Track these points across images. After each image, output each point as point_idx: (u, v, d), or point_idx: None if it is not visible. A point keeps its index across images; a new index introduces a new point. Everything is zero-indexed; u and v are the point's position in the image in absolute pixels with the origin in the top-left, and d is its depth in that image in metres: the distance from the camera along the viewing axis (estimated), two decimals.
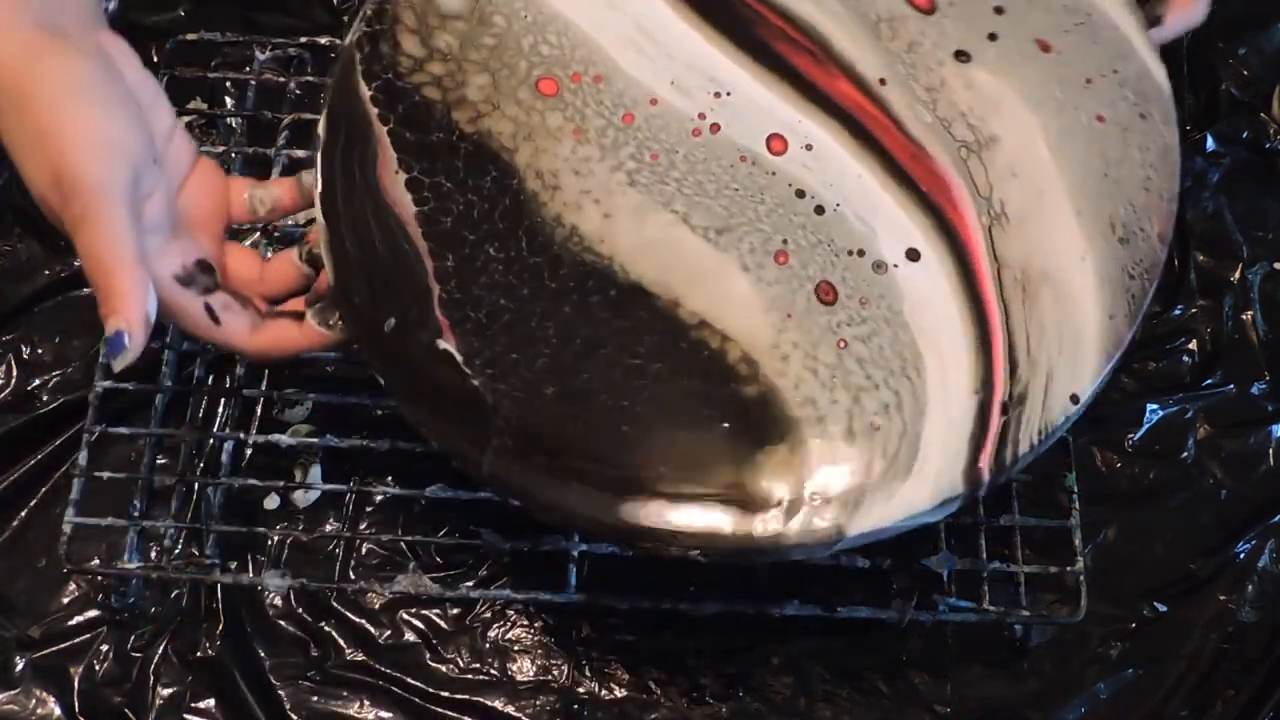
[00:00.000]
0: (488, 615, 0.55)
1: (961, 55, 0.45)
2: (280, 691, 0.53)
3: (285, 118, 0.60)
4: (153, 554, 0.55)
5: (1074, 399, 0.41)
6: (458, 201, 0.43)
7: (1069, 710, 0.54)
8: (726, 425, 0.41)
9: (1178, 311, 0.62)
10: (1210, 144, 0.66)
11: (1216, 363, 0.61)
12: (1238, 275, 0.63)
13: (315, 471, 0.57)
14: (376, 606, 0.55)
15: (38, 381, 0.59)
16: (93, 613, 0.54)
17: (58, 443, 0.58)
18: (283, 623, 0.55)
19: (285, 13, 0.67)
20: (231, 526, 0.54)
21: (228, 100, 0.65)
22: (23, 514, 0.57)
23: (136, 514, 0.54)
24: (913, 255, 0.42)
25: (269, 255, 0.47)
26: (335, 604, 0.55)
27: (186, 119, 0.62)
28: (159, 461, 0.57)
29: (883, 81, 0.45)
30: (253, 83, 0.61)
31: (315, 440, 0.55)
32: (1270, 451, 0.60)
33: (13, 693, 0.53)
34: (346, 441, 0.55)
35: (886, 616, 0.51)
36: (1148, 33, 0.47)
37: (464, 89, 0.45)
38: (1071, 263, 0.43)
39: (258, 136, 0.62)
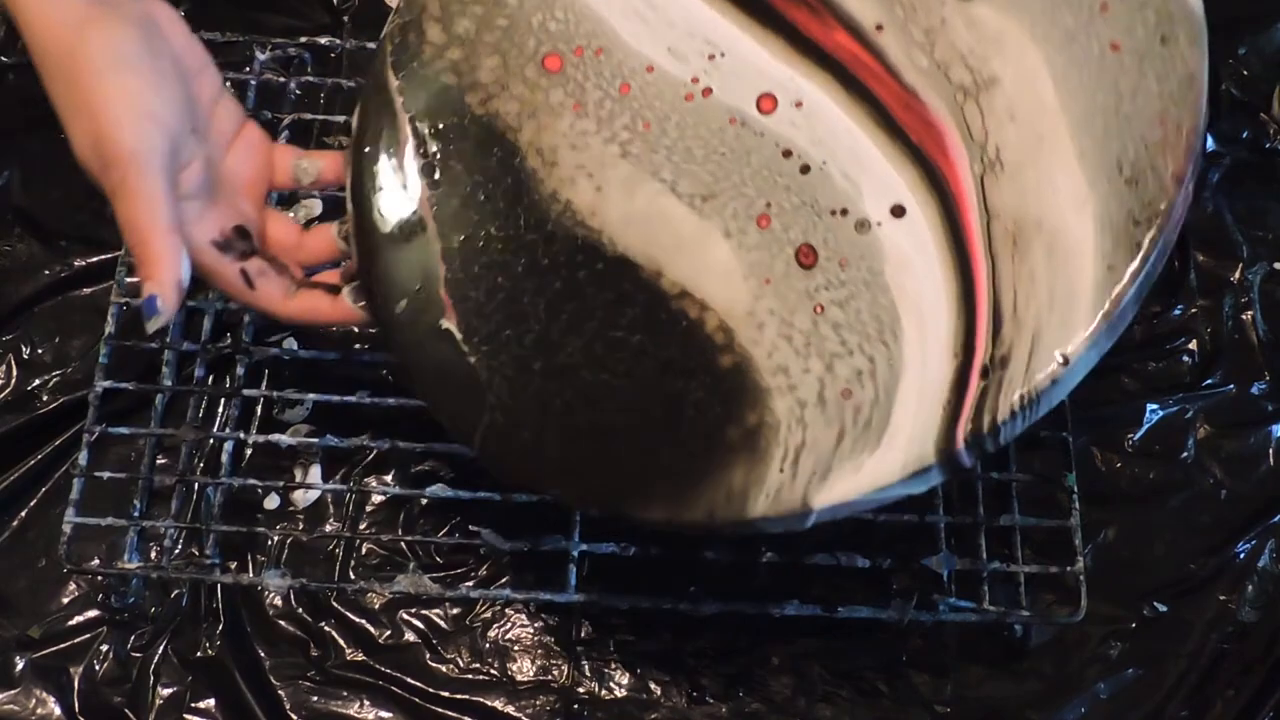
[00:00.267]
0: (488, 615, 0.55)
1: None
2: (280, 691, 0.53)
3: (286, 117, 0.60)
4: (153, 554, 0.55)
5: (1063, 359, 0.39)
6: (465, 183, 0.44)
7: (1069, 710, 0.54)
8: (699, 396, 0.41)
9: (1178, 311, 0.62)
10: (1210, 144, 0.66)
11: (1216, 363, 0.61)
12: (1238, 275, 0.63)
13: (315, 471, 0.57)
14: (376, 606, 0.55)
15: (38, 381, 0.59)
16: (93, 613, 0.54)
17: (58, 443, 0.58)
18: (283, 623, 0.55)
19: (285, 13, 0.67)
20: (231, 526, 0.54)
21: None
22: (23, 514, 0.57)
23: (136, 514, 0.54)
24: (898, 211, 0.41)
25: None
26: (335, 604, 0.55)
27: None
28: (159, 461, 0.57)
29: (879, 27, 0.43)
30: (253, 83, 0.61)
31: (315, 440, 0.56)
32: (1270, 451, 0.59)
33: (13, 693, 0.53)
34: (346, 441, 0.55)
35: (886, 616, 0.51)
36: None
37: (477, 72, 0.45)
38: (1069, 210, 0.40)
39: None
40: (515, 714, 0.53)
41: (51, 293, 0.61)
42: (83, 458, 0.53)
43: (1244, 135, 0.67)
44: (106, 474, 0.53)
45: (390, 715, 0.53)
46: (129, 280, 0.58)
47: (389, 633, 0.55)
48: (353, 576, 0.55)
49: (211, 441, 0.57)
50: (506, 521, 0.56)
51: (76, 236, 0.62)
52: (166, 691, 0.53)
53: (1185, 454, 0.59)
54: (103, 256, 0.61)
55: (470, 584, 0.56)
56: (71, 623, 0.54)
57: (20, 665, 0.53)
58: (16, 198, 0.62)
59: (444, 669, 0.54)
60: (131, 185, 0.39)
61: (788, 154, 0.43)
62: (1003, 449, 0.56)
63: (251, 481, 0.54)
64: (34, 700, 0.53)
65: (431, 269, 0.44)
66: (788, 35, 0.44)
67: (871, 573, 0.54)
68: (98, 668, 0.53)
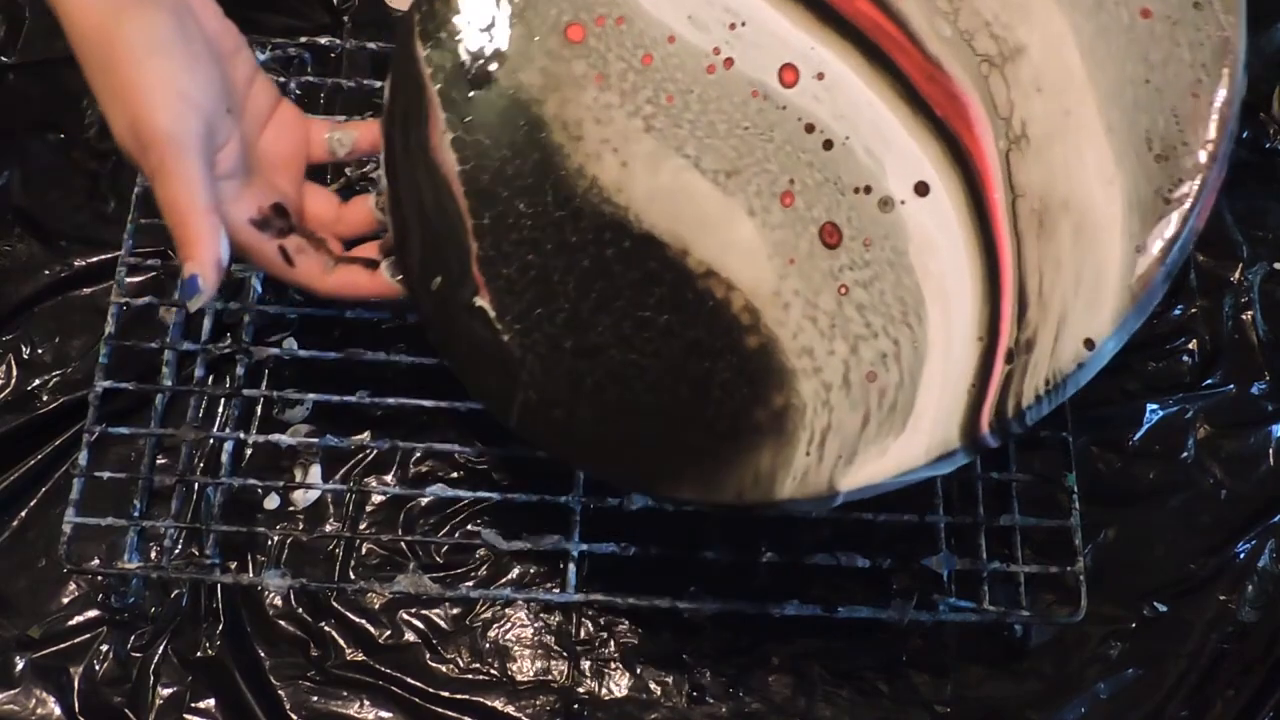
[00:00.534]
0: (488, 615, 0.55)
1: None
2: (280, 691, 0.53)
3: None
4: (153, 554, 0.55)
5: (1089, 344, 0.38)
6: (493, 158, 0.44)
7: (1069, 710, 0.54)
8: (726, 377, 0.41)
9: (1178, 311, 0.62)
10: None
11: (1216, 363, 0.61)
12: (1238, 275, 0.63)
13: (315, 471, 0.57)
14: (376, 606, 0.55)
15: (38, 381, 0.59)
16: (93, 613, 0.54)
17: (58, 443, 0.58)
18: (283, 623, 0.55)
19: (285, 13, 0.67)
20: (231, 526, 0.54)
21: None
22: (23, 514, 0.57)
23: (136, 514, 0.54)
24: (921, 189, 0.41)
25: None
26: (335, 604, 0.55)
27: None
28: (159, 461, 0.57)
29: None
30: None
31: (315, 440, 0.55)
32: (1270, 451, 0.59)
33: (13, 693, 0.53)
34: (346, 441, 0.55)
35: (886, 616, 0.51)
36: None
37: (502, 42, 0.45)
38: (1097, 187, 0.39)
39: None
40: (515, 714, 0.53)
41: (51, 293, 0.61)
42: (83, 458, 0.53)
43: (1244, 135, 0.67)
44: (106, 474, 0.53)
45: (390, 715, 0.53)
46: (129, 280, 0.58)
47: (389, 633, 0.55)
48: (353, 576, 0.55)
49: (211, 441, 0.57)
50: (506, 521, 0.56)
51: (76, 236, 0.62)
52: (166, 691, 0.53)
53: (1185, 454, 0.59)
54: (103, 256, 0.61)
55: (470, 584, 0.56)
56: (71, 623, 0.54)
57: (20, 665, 0.53)
58: (16, 198, 0.62)
59: (444, 669, 0.54)
60: (170, 167, 0.40)
61: (810, 129, 0.42)
62: (1003, 449, 0.56)
63: (251, 481, 0.54)
64: (34, 700, 0.53)
65: (464, 246, 0.44)
66: (808, 3, 0.43)
67: (871, 573, 0.54)
68: (98, 668, 0.53)
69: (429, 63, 0.46)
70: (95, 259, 0.61)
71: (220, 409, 0.58)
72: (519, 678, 0.54)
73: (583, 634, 0.55)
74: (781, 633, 0.55)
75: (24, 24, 0.66)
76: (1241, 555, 0.57)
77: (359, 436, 0.57)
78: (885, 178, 0.41)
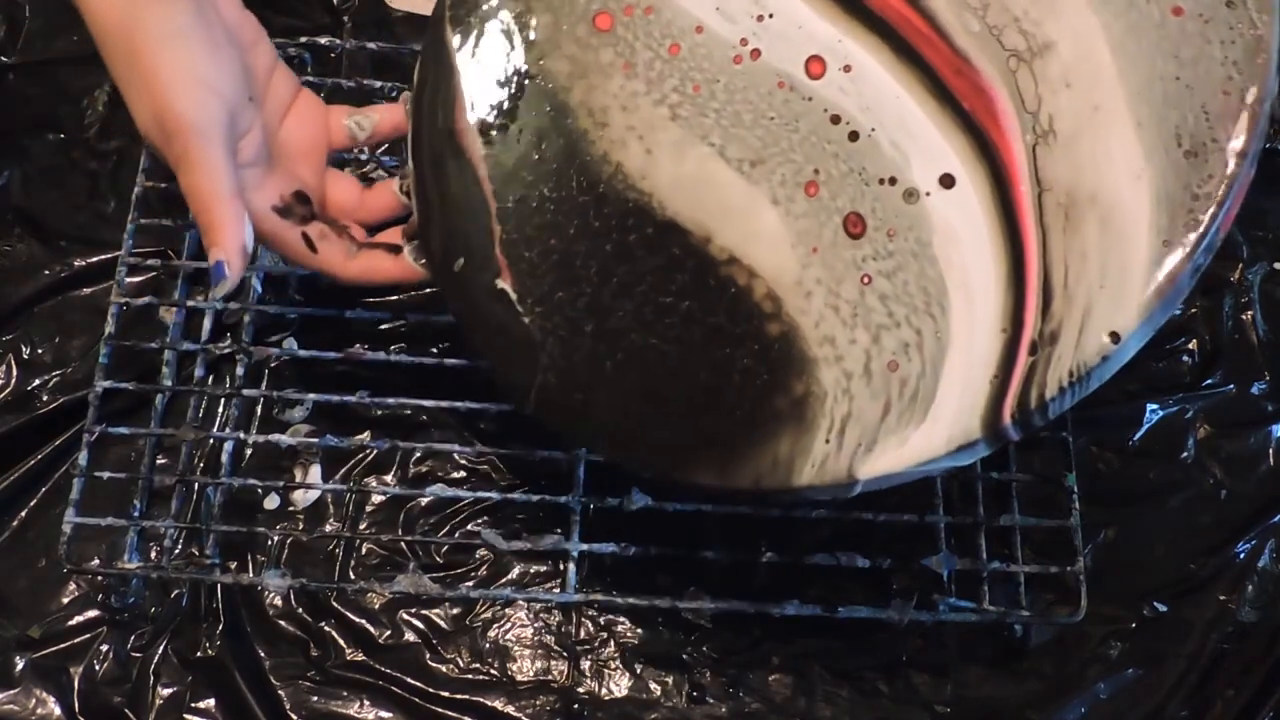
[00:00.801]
0: (488, 615, 0.55)
1: None
2: (280, 691, 0.53)
3: None
4: (153, 554, 0.55)
5: (1114, 337, 0.38)
6: (519, 143, 0.44)
7: (1069, 710, 0.54)
8: (747, 363, 0.41)
9: (1178, 311, 0.62)
10: None
11: (1216, 363, 0.61)
12: (1238, 275, 0.63)
13: (315, 471, 0.57)
14: (376, 606, 0.55)
15: (38, 381, 0.59)
16: (93, 613, 0.54)
17: (58, 443, 0.57)
18: (283, 623, 0.55)
19: (285, 13, 0.67)
20: (231, 526, 0.54)
21: None
22: (23, 514, 0.57)
23: (136, 514, 0.54)
24: (947, 181, 0.41)
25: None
26: (335, 604, 0.55)
27: None
28: (159, 461, 0.57)
29: None
30: None
31: (315, 440, 0.56)
32: (1270, 451, 0.59)
33: (13, 693, 0.53)
34: (346, 441, 0.55)
35: (886, 616, 0.51)
36: None
37: (530, 30, 0.45)
38: (1125, 182, 0.39)
39: None
40: (515, 714, 0.53)
41: (51, 293, 0.61)
42: (83, 458, 0.53)
43: None
44: (106, 474, 0.53)
45: (390, 715, 0.53)
46: (129, 280, 0.58)
47: (389, 633, 0.55)
48: (353, 576, 0.55)
49: (211, 441, 0.57)
50: (506, 521, 0.56)
51: (76, 236, 0.62)
52: (166, 691, 0.53)
53: (1185, 454, 0.59)
54: (103, 256, 0.61)
55: (470, 584, 0.56)
56: (71, 623, 0.54)
57: (20, 665, 0.53)
58: (16, 198, 0.62)
59: (444, 669, 0.54)
60: (193, 155, 0.40)
61: (836, 120, 0.42)
62: (1002, 449, 0.56)
63: (251, 481, 0.54)
64: (34, 700, 0.53)
65: (487, 229, 0.44)
66: None
67: (871, 573, 0.54)
68: (98, 668, 0.53)
69: (458, 49, 0.46)
70: (95, 259, 0.61)
71: (220, 409, 0.58)
72: (519, 678, 0.54)
73: (583, 634, 0.55)
74: (781, 633, 0.55)
75: (24, 24, 0.66)
76: (1241, 555, 0.57)
77: (359, 436, 0.57)
78: (910, 169, 0.41)
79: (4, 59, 0.65)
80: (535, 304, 0.43)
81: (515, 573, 0.56)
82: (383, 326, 0.60)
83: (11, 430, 0.57)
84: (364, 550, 0.56)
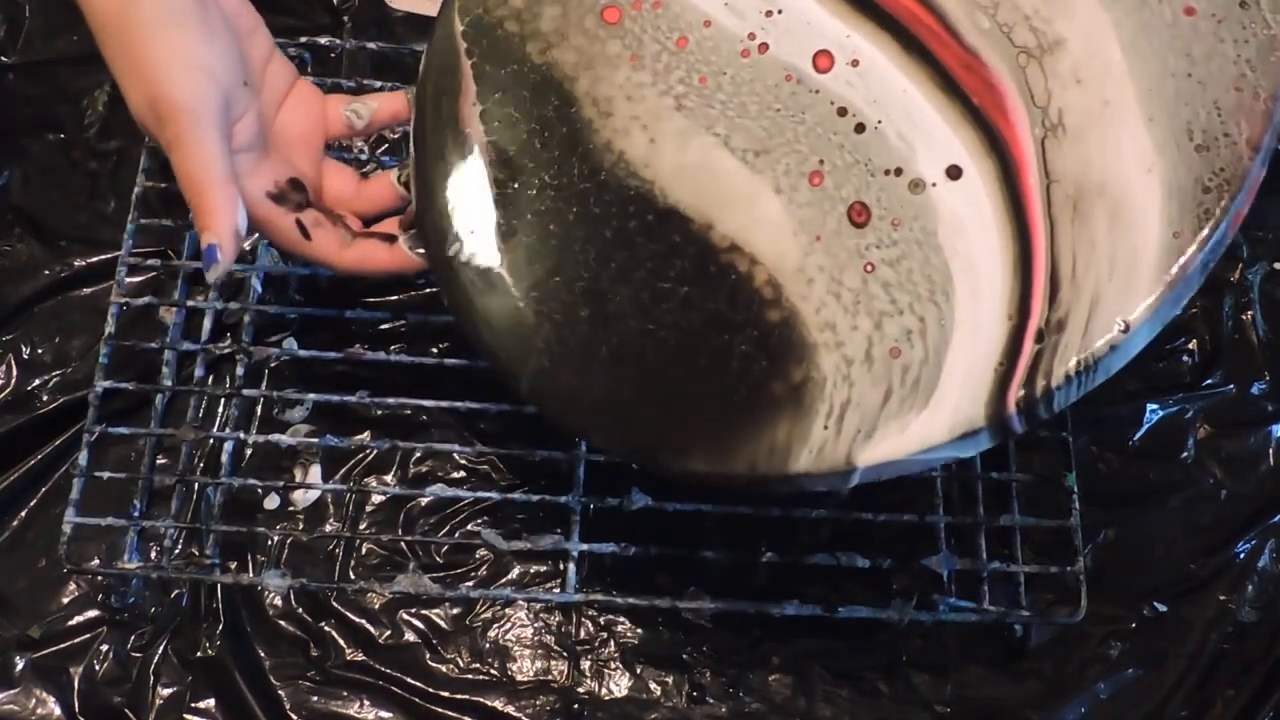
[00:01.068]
0: (488, 615, 0.55)
1: None
2: (280, 691, 0.53)
3: None
4: (153, 554, 0.55)
5: (1123, 327, 0.38)
6: (522, 130, 0.45)
7: (1069, 710, 0.54)
8: (745, 349, 0.41)
9: (1178, 311, 0.62)
10: None
11: (1216, 363, 0.61)
12: (1238, 275, 0.63)
13: (315, 471, 0.57)
14: (376, 606, 0.55)
15: (38, 381, 0.59)
16: (93, 613, 0.54)
17: (58, 443, 0.57)
18: (283, 623, 0.55)
19: (285, 13, 0.67)
20: (231, 526, 0.54)
21: None
22: (23, 514, 0.57)
23: (136, 514, 0.54)
24: (954, 173, 0.41)
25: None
26: (335, 604, 0.55)
27: None
28: (159, 461, 0.57)
29: None
30: None
31: (315, 440, 0.56)
32: (1270, 451, 0.59)
33: (13, 693, 0.53)
34: (346, 441, 0.55)
35: (886, 616, 0.51)
36: None
37: (538, 21, 0.46)
38: (1135, 175, 0.39)
39: None
40: (515, 714, 0.53)
41: (51, 293, 0.61)
42: (83, 458, 0.53)
43: None
44: (106, 474, 0.53)
45: (390, 715, 0.53)
46: (129, 280, 0.58)
47: (389, 633, 0.55)
48: (353, 576, 0.55)
49: (211, 441, 0.57)
50: (506, 521, 0.56)
51: (76, 236, 0.62)
52: (166, 691, 0.53)
53: (1185, 454, 0.59)
54: (103, 256, 0.61)
55: (470, 584, 0.56)
56: (71, 623, 0.54)
57: (20, 665, 0.53)
58: (16, 198, 0.62)
59: (444, 669, 0.54)
60: (187, 139, 0.40)
61: (843, 112, 0.42)
62: (1003, 449, 0.56)
63: (251, 481, 0.54)
64: (34, 700, 0.53)
65: (486, 214, 0.44)
66: None
67: (871, 573, 0.54)
68: (98, 668, 0.53)
69: (465, 38, 0.46)
70: (95, 259, 0.61)
71: (220, 409, 0.58)
72: (519, 678, 0.54)
73: (583, 634, 0.55)
74: (781, 633, 0.55)
75: (24, 24, 0.66)
76: (1241, 555, 0.57)
77: (359, 436, 0.57)
78: (916, 161, 0.41)
79: (4, 59, 0.65)
80: (531, 289, 0.44)
81: (515, 573, 0.56)
82: (383, 326, 0.60)
83: (11, 430, 0.57)
84: (364, 550, 0.56)
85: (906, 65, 0.42)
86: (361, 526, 0.56)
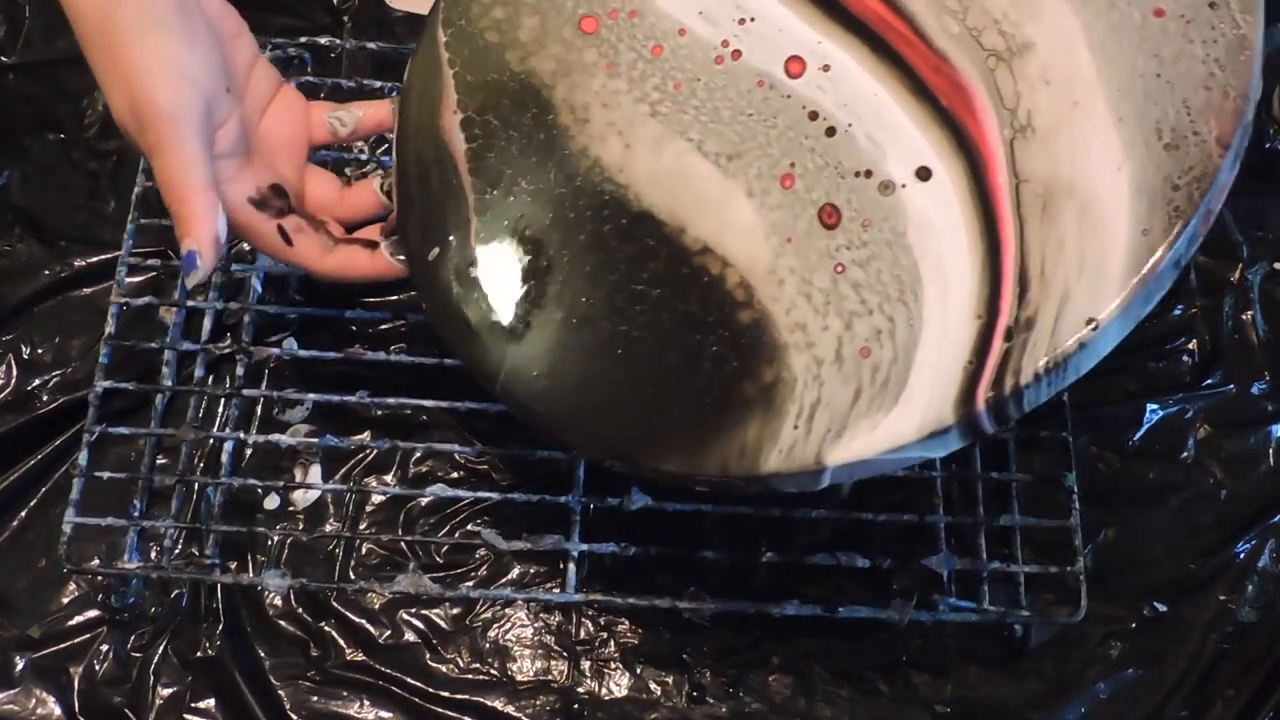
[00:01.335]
0: (488, 615, 0.55)
1: None
2: (280, 691, 0.53)
3: None
4: (153, 554, 0.55)
5: (1092, 324, 0.38)
6: (501, 138, 0.45)
7: (1069, 710, 0.54)
8: (716, 350, 0.41)
9: (1178, 311, 0.62)
10: None
11: (1216, 363, 0.61)
12: (1238, 275, 0.63)
13: (315, 471, 0.57)
14: (376, 606, 0.55)
15: (38, 381, 0.59)
16: (93, 613, 0.54)
17: (58, 443, 0.57)
18: (283, 623, 0.55)
19: (285, 13, 0.67)
20: (231, 526, 0.54)
21: None
22: (23, 514, 0.57)
23: (136, 514, 0.54)
24: (923, 174, 0.41)
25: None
26: (335, 604, 0.55)
27: None
28: (159, 461, 0.57)
29: None
30: None
31: (315, 440, 0.55)
32: (1270, 451, 0.59)
33: (13, 693, 0.53)
34: (346, 441, 0.55)
35: (886, 616, 0.51)
36: None
37: (518, 30, 0.46)
38: (1104, 174, 0.39)
39: None
40: (515, 714, 0.53)
41: (51, 293, 0.61)
42: (83, 458, 0.53)
43: None
44: (106, 474, 0.53)
45: (390, 715, 0.53)
46: (129, 280, 0.58)
47: (389, 633, 0.55)
48: (353, 576, 0.55)
49: (211, 441, 0.57)
50: (506, 521, 0.56)
51: (76, 236, 0.62)
52: (166, 691, 0.53)
53: (1185, 454, 0.59)
54: (103, 256, 0.61)
55: (470, 584, 0.56)
56: (71, 623, 0.54)
57: (20, 665, 0.53)
58: (16, 198, 0.62)
59: (444, 669, 0.54)
60: (168, 144, 0.40)
61: (814, 116, 0.43)
62: (1003, 449, 0.56)
63: (251, 481, 0.54)
64: (34, 700, 0.53)
65: (464, 219, 0.45)
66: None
67: (871, 573, 0.54)
68: (98, 668, 0.53)
69: (448, 48, 0.46)
70: (95, 259, 0.61)
71: (220, 409, 0.58)
72: (519, 678, 0.54)
73: (583, 634, 0.55)
74: (781, 633, 0.55)
75: (24, 24, 0.66)
76: (1241, 555, 0.57)
77: (359, 436, 0.57)
78: (886, 163, 0.42)
79: (4, 59, 0.65)
80: (507, 293, 0.44)
81: (515, 573, 0.56)
82: (383, 326, 0.60)
83: (11, 430, 0.57)
84: (364, 550, 0.56)
85: (877, 69, 0.43)
86: (361, 526, 0.56)
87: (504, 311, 0.44)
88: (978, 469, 0.55)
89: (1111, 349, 0.39)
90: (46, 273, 0.61)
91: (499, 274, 0.44)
